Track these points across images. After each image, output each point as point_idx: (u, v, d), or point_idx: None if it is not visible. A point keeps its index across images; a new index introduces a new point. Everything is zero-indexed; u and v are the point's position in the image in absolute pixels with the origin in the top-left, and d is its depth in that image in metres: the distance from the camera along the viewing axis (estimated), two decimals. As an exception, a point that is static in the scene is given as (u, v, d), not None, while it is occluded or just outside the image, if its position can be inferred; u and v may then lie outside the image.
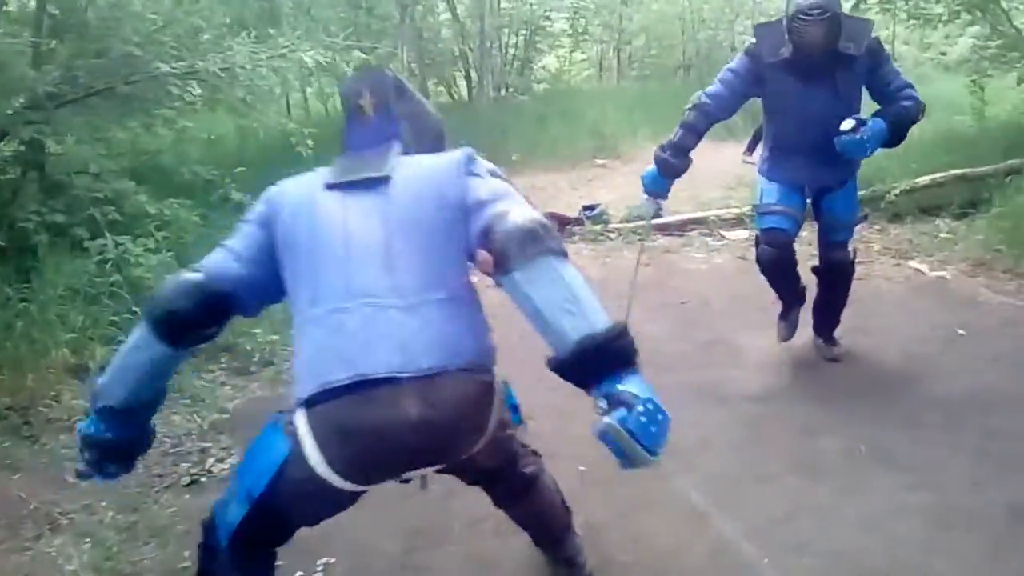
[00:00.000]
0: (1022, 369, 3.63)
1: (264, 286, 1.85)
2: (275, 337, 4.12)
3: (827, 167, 3.51)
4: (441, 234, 1.78)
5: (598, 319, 1.62)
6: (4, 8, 5.01)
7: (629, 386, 1.58)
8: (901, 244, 5.68)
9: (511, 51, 13.36)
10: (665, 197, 3.65)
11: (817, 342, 3.94)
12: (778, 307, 3.91)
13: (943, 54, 10.64)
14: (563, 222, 6.44)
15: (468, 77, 13.08)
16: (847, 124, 3.27)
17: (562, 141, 10.34)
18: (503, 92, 12.87)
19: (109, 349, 3.57)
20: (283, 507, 1.77)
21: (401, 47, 9.84)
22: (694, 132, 3.45)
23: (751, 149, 9.21)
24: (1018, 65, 6.57)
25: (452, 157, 1.87)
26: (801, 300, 3.86)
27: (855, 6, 7.77)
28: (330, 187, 1.85)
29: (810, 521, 2.60)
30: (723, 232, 6.38)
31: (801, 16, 3.23)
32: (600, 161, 10.03)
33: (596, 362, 1.60)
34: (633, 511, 2.68)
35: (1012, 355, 3.79)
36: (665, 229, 6.43)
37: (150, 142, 6.36)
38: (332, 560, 2.48)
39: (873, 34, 3.37)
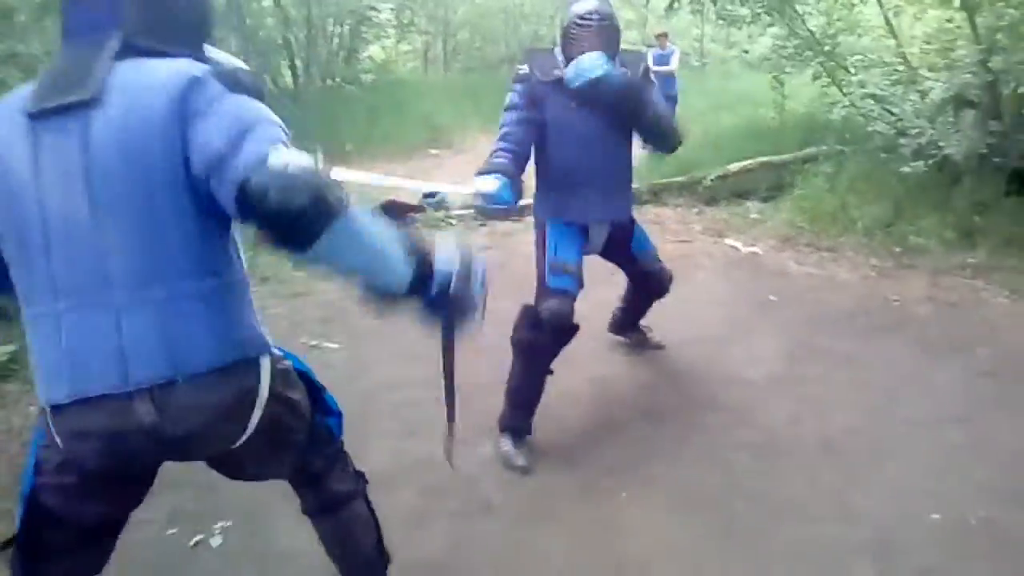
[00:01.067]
0: (822, 326, 4.16)
1: None
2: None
3: (618, 196, 3.20)
4: (166, 198, 1.36)
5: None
6: None
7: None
8: (717, 224, 6.24)
9: (336, 40, 13.28)
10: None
11: (635, 337, 3.95)
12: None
13: (746, 52, 11.52)
14: (405, 209, 6.59)
15: (293, 66, 12.90)
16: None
17: (395, 132, 10.46)
18: (330, 82, 12.80)
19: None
20: (52, 504, 1.53)
21: (226, 34, 9.58)
22: (511, 170, 2.85)
23: None
24: (812, 63, 7.30)
25: (175, 83, 1.36)
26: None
27: (669, 6, 8.31)
28: (30, 118, 1.38)
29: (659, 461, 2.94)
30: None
31: (578, 22, 2.93)
32: (434, 151, 10.22)
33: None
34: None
35: (816, 316, 4.32)
36: (509, 214, 6.69)
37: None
38: (229, 523, 2.55)
39: (645, 64, 3.13)
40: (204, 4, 1.57)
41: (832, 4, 7.30)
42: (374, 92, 12.53)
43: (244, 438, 1.55)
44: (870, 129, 6.42)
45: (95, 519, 1.59)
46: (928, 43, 6.89)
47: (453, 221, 6.59)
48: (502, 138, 2.97)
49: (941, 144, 5.60)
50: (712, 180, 6.82)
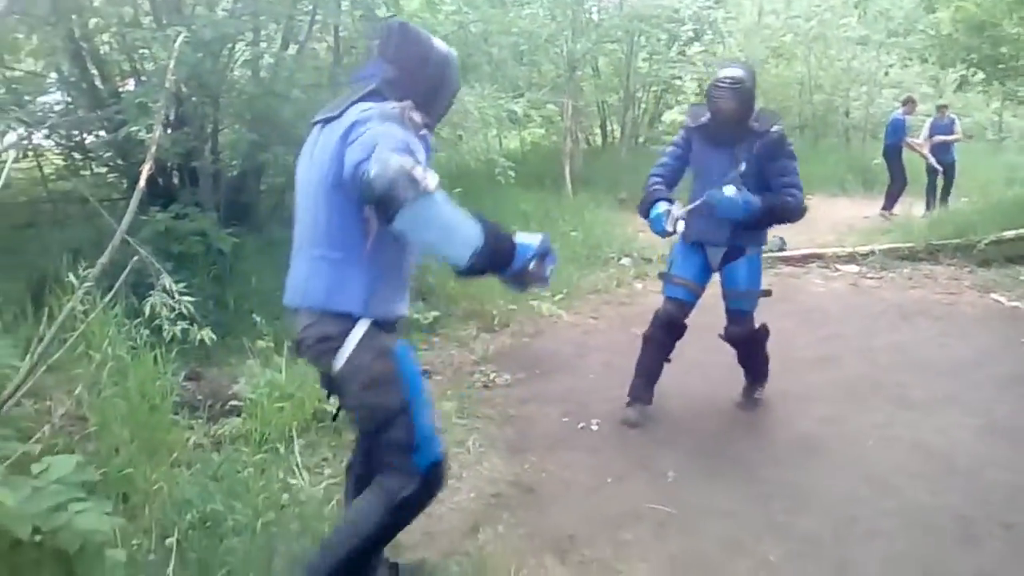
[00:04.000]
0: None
1: None
2: (513, 307, 5.77)
3: (723, 227, 3.83)
4: (325, 195, 2.12)
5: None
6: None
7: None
8: (987, 282, 6.99)
9: (643, 106, 15.05)
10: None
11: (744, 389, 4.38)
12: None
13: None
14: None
15: (604, 127, 14.87)
16: (729, 188, 3.67)
17: (690, 186, 11.87)
18: (636, 142, 14.54)
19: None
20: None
21: (566, 102, 11.56)
22: (659, 192, 3.89)
23: (889, 207, 10.80)
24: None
25: (355, 115, 2.07)
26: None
27: (958, 87, 9.06)
28: (313, 123, 2.27)
29: (901, 427, 4.05)
30: (837, 266, 7.79)
31: (716, 84, 3.75)
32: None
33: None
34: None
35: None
36: (789, 261, 7.88)
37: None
38: (600, 421, 4.08)
39: (779, 127, 3.76)
40: (439, 77, 2.31)
41: None
42: (667, 150, 14.07)
43: (336, 370, 2.16)
44: None
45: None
46: None
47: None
48: (658, 166, 4.02)
49: None
50: (987, 244, 7.52)
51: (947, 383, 4.63)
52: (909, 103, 11.38)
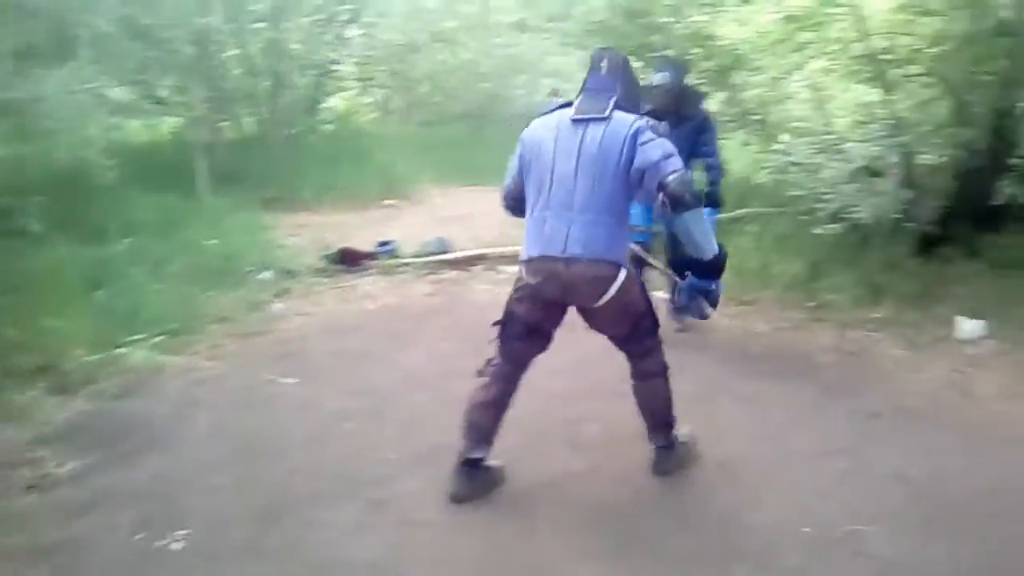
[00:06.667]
0: (732, 369, 4.59)
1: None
2: (99, 356, 4.35)
3: None
4: (609, 170, 2.92)
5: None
6: None
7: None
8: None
9: (300, 91, 13.68)
10: None
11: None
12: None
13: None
14: (359, 256, 6.96)
15: (258, 114, 13.25)
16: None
17: (352, 181, 10.81)
18: (291, 131, 13.17)
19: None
20: (518, 312, 3.16)
21: (197, 87, 9.97)
22: None
23: None
24: (747, 130, 8.03)
25: (632, 124, 2.97)
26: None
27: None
28: (573, 121, 3.02)
29: (575, 482, 3.31)
30: (503, 267, 7.14)
31: (651, 89, 4.77)
32: (389, 201, 10.59)
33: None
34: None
35: (728, 360, 4.76)
36: (453, 264, 7.10)
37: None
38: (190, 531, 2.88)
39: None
40: (639, 96, 3.34)
41: (766, 78, 7.92)
42: (334, 142, 12.90)
43: (599, 304, 3.00)
44: (792, 193, 6.94)
45: (536, 321, 3.14)
46: (849, 115, 7.53)
47: (404, 268, 6.94)
48: None
49: (854, 208, 6.13)
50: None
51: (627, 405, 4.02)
52: (557, 92, 11.23)
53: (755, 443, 3.70)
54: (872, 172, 6.51)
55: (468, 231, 8.55)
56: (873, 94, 6.83)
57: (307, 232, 8.39)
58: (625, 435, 3.69)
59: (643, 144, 2.91)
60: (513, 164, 3.18)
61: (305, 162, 11.20)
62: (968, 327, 5.13)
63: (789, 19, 6.77)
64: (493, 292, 6.45)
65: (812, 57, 7.07)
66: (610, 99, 3.01)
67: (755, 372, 4.58)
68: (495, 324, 3.20)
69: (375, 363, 4.69)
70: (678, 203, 2.88)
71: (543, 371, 4.72)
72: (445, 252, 7.31)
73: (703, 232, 3.05)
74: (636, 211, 4.72)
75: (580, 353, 4.93)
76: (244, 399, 4.13)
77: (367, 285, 6.50)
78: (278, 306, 5.83)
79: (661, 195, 2.88)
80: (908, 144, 6.47)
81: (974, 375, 4.58)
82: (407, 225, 9.02)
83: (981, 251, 6.05)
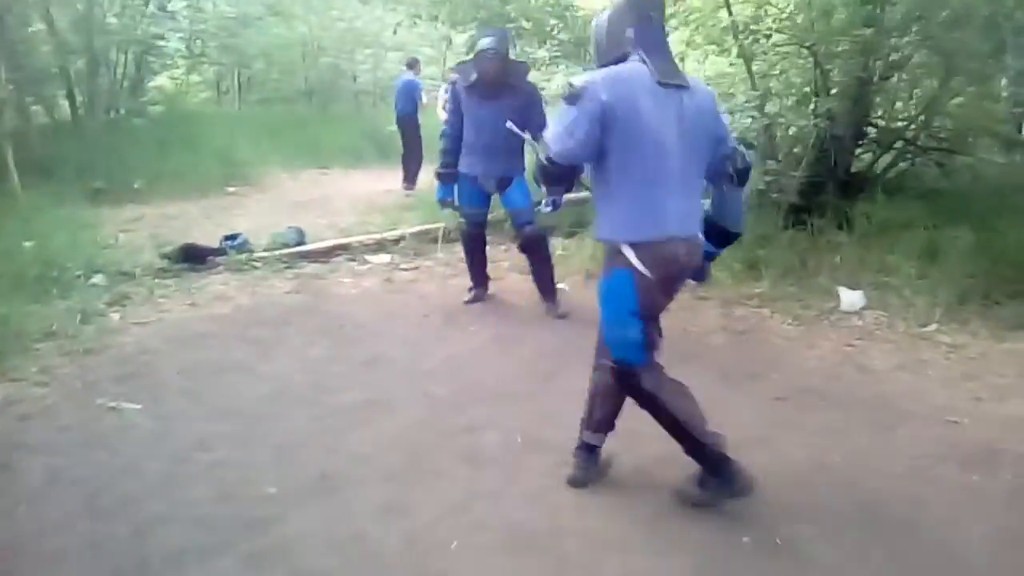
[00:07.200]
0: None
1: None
2: None
3: (496, 161, 4.98)
4: (703, 144, 2.78)
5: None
6: None
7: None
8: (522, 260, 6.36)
9: (121, 70, 12.46)
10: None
11: (545, 306, 5.24)
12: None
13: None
14: (205, 253, 6.27)
15: (71, 96, 11.93)
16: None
17: (188, 168, 9.95)
18: (113, 114, 12.00)
19: None
20: (647, 304, 2.76)
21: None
22: (452, 152, 5.12)
23: (411, 181, 9.90)
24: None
25: (710, 91, 2.90)
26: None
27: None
28: (658, 84, 2.69)
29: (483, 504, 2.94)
30: (367, 257, 6.65)
31: (482, 54, 4.85)
32: (232, 188, 9.83)
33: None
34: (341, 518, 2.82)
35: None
36: (311, 256, 6.54)
37: None
38: None
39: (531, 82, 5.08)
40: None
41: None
42: (164, 125, 11.85)
43: (700, 281, 3.21)
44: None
45: (661, 306, 2.90)
46: (713, 86, 7.46)
47: (257, 264, 6.32)
48: (447, 125, 5.22)
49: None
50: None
51: (525, 412, 3.69)
52: (415, 64, 10.78)
53: (668, 440, 3.44)
54: (744, 143, 6.46)
55: (323, 218, 7.98)
56: (737, 64, 6.75)
57: (141, 227, 7.59)
58: (528, 444, 3.37)
59: (720, 115, 2.89)
60: (581, 121, 2.63)
61: (132, 148, 10.21)
62: (851, 299, 5.13)
63: (650, -12, 6.63)
64: (359, 285, 5.99)
65: (674, 28, 6.92)
66: (674, 60, 2.89)
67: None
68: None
69: (235, 378, 4.13)
70: (745, 177, 2.87)
71: (417, 373, 4.44)
72: (301, 243, 6.72)
73: (744, 203, 3.08)
74: (464, 193, 5.20)
75: (450, 350, 4.64)
76: (83, 436, 3.49)
77: (217, 285, 5.83)
78: (115, 316, 5.10)
79: (730, 167, 2.82)
80: (772, 115, 6.44)
81: (866, 348, 4.55)
82: (255, 214, 8.34)
83: (850, 220, 6.08)
